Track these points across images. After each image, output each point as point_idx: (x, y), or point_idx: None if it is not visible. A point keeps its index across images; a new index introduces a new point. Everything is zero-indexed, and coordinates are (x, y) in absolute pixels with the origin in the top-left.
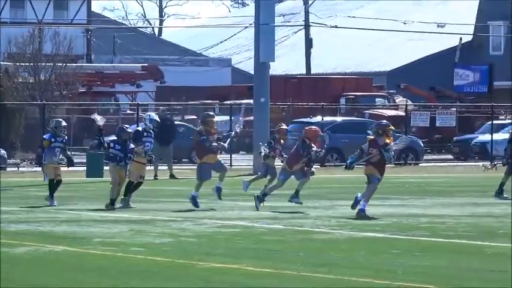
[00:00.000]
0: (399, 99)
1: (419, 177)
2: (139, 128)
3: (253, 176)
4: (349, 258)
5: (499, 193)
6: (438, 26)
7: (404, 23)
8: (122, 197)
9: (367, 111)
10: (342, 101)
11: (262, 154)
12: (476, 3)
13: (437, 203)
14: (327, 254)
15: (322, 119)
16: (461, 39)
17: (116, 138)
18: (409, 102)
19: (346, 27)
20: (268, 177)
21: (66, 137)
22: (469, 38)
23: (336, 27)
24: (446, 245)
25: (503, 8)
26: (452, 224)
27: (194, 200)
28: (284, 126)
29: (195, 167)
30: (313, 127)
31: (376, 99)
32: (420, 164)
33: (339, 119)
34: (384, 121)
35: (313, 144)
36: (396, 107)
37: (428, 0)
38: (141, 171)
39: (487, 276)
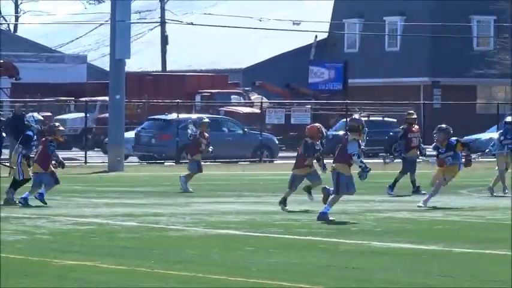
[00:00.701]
0: (254, 97)
1: (274, 175)
2: (31, 133)
3: (188, 172)
4: (204, 255)
5: (415, 191)
6: (294, 24)
7: (260, 20)
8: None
9: (222, 109)
10: (198, 98)
11: (189, 135)
12: (331, 2)
13: (292, 200)
14: (181, 251)
15: (178, 116)
16: (316, 36)
17: None
18: (265, 100)
19: (202, 24)
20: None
21: None
22: (325, 35)
23: (191, 24)
24: (300, 242)
25: (358, 6)
26: (307, 221)
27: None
28: (206, 120)
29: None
30: (316, 124)
31: (232, 97)
32: (275, 161)
33: (194, 116)
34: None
35: (317, 142)
36: (251, 104)
37: None
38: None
39: (339, 272)
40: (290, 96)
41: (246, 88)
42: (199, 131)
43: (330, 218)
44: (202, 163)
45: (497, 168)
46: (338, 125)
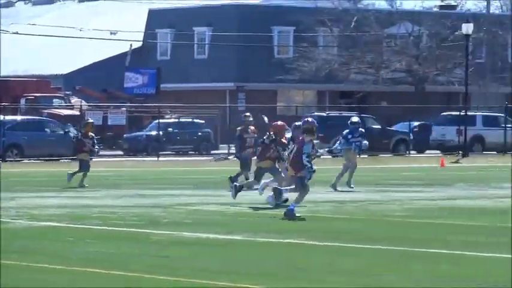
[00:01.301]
0: (74, 100)
1: (93, 171)
2: None
3: (75, 170)
4: (27, 245)
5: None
6: (111, 33)
7: (80, 30)
8: None
9: (45, 111)
10: (23, 101)
11: (72, 137)
12: (146, 12)
13: (109, 195)
14: (6, 243)
15: (4, 118)
16: (131, 45)
17: None
18: (84, 103)
19: (27, 33)
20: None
21: None
22: (139, 44)
23: (17, 33)
24: (116, 233)
25: (169, 17)
26: (122, 213)
27: None
28: (90, 120)
29: None
30: (279, 122)
31: (54, 100)
32: (93, 159)
33: (19, 118)
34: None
35: (283, 140)
36: (72, 107)
37: (103, 9)
38: None
39: (151, 261)
40: (107, 99)
41: (67, 92)
42: (83, 131)
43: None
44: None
45: (344, 163)
46: (151, 125)
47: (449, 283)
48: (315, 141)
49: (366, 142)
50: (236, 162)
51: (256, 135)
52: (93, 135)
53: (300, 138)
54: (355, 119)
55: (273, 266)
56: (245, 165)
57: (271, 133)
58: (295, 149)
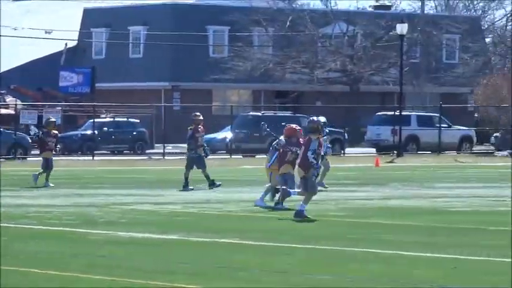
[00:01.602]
0: (9, 99)
1: (27, 171)
2: None
3: (40, 170)
4: None
5: (185, 186)
6: (46, 32)
7: (15, 29)
8: None
9: None
10: None
11: (33, 135)
12: (81, 11)
13: (45, 194)
14: None
15: None
16: (66, 44)
17: None
18: (19, 102)
19: None
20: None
21: None
22: (74, 43)
23: None
24: (51, 232)
25: (105, 16)
26: (58, 213)
27: None
28: (52, 119)
29: None
30: (292, 125)
31: None
32: (28, 158)
33: None
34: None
35: (301, 140)
36: (7, 106)
37: (38, 7)
38: None
39: (87, 260)
40: (42, 98)
41: (2, 91)
42: (45, 130)
43: (305, 214)
44: None
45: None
46: (86, 124)
47: (384, 283)
48: (324, 137)
49: (329, 148)
50: (184, 160)
51: (204, 134)
52: (57, 132)
53: (306, 138)
54: (323, 118)
55: (208, 266)
56: (190, 165)
57: (284, 137)
58: (302, 150)
